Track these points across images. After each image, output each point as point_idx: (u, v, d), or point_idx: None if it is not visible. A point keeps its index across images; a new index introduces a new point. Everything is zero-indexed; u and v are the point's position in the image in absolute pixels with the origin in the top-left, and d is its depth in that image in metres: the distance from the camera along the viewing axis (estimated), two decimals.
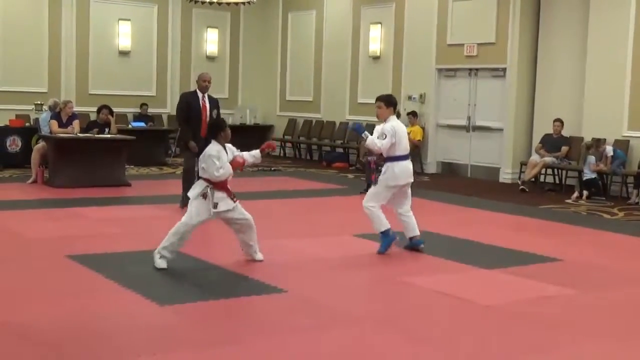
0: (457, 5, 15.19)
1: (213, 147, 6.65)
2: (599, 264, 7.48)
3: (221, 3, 14.94)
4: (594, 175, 12.27)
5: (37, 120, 13.70)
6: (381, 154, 7.67)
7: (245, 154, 6.90)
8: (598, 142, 12.33)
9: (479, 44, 14.83)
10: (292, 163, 17.06)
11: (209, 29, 19.05)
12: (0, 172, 13.30)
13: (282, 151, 18.82)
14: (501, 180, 14.47)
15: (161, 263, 6.60)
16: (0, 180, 12.52)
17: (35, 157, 12.26)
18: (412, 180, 7.66)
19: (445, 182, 14.19)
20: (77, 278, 6.36)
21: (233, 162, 6.72)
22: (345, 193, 12.20)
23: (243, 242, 6.96)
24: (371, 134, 7.57)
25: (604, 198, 12.10)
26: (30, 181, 12.07)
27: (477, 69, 15.05)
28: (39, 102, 14.25)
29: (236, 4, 15.16)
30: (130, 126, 15.89)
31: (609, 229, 9.52)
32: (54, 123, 12.27)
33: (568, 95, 13.66)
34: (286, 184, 13.29)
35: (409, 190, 7.68)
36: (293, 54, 19.09)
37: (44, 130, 12.56)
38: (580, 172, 12.52)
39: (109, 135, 12.41)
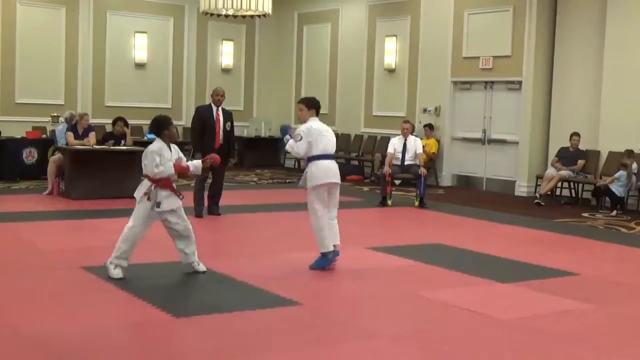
0: (472, 18, 15.18)
1: (155, 144, 6.66)
2: (616, 279, 7.41)
3: (237, 16, 15.03)
4: (623, 194, 12.10)
5: (53, 132, 13.78)
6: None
7: (189, 163, 6.87)
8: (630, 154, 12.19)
9: (494, 57, 14.81)
10: None
11: (224, 41, 19.13)
12: (16, 184, 13.38)
13: (296, 163, 18.82)
14: (517, 193, 14.40)
15: (117, 273, 6.57)
16: (17, 191, 12.59)
17: (51, 168, 12.32)
18: (338, 182, 7.31)
19: (461, 195, 14.14)
20: (92, 289, 6.36)
21: (177, 166, 6.69)
22: (359, 206, 12.16)
23: (180, 250, 6.85)
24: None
25: (621, 212, 12.00)
26: (46, 193, 12.12)
27: (492, 82, 15.02)
28: (55, 114, 14.30)
29: (252, 16, 15.22)
30: (145, 138, 15.92)
31: (626, 243, 9.44)
32: (70, 135, 12.33)
33: (584, 108, 13.59)
34: (300, 196, 13.23)
35: (337, 196, 7.36)
36: (308, 66, 19.13)
37: (60, 142, 12.63)
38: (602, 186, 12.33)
39: (124, 147, 12.46)
